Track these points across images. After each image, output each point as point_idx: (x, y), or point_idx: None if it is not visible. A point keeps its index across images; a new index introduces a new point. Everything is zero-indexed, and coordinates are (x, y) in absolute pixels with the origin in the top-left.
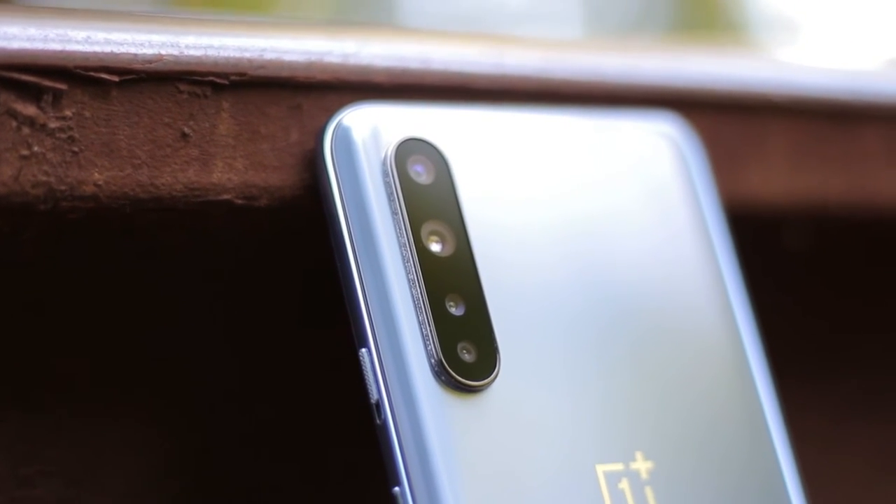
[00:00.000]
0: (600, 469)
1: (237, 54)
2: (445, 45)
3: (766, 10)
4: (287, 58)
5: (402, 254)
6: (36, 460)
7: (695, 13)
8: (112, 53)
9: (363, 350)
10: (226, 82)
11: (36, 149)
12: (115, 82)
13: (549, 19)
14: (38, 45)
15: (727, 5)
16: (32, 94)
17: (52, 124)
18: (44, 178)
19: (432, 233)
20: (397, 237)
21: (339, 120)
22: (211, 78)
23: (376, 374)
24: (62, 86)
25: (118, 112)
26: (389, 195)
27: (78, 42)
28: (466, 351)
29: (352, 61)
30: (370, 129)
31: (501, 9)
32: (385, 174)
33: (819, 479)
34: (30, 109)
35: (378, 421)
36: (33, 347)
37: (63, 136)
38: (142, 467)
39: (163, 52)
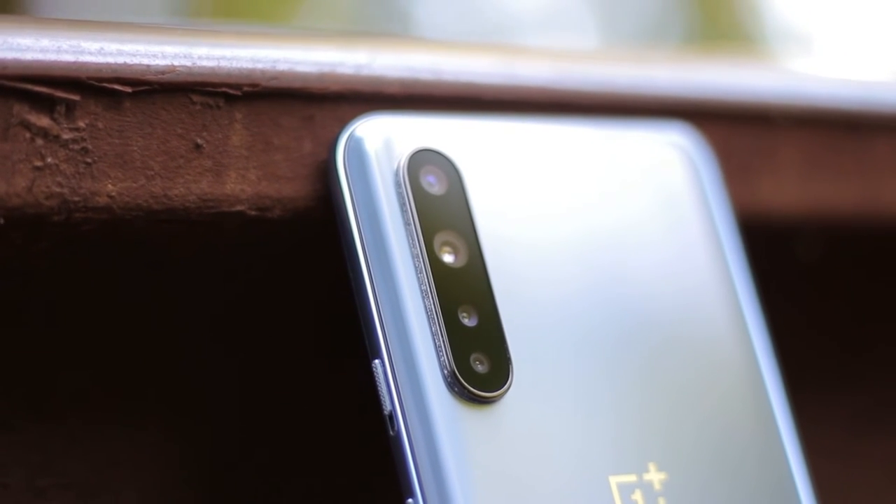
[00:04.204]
0: (613, 480)
1: (250, 65)
2: (457, 56)
3: (778, 22)
4: (300, 69)
5: (414, 265)
6: (51, 472)
7: (707, 24)
8: (125, 64)
9: (376, 361)
10: (238, 93)
11: (49, 160)
12: (128, 93)
13: (563, 30)
14: (52, 57)
15: (740, 17)
16: (46, 105)
17: (66, 135)
18: (57, 190)
19: (445, 243)
20: (410, 248)
21: (352, 131)
22: (224, 89)
23: (389, 386)
24: (75, 97)
25: (131, 123)
26: (402, 206)
27: (91, 53)
28: (479, 362)
29: (364, 72)
30: (383, 139)
31: (515, 18)
32: (398, 185)
33: (834, 492)
34: (43, 121)
35: (391, 432)
36: (47, 358)
37: (76, 147)
38: (157, 479)
39: (175, 63)
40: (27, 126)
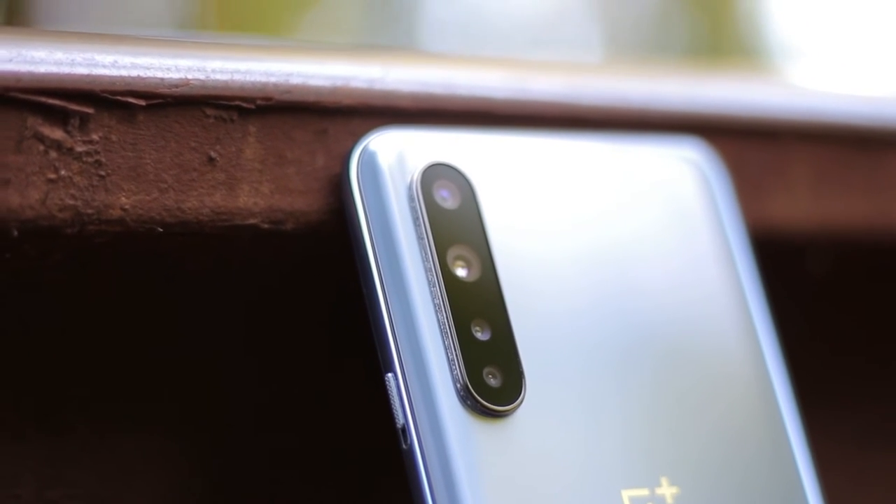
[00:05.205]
0: (626, 494)
1: (263, 79)
2: (469, 70)
3: (784, 36)
4: (313, 82)
5: (427, 278)
6: (61, 483)
7: (712, 39)
8: (139, 77)
9: (389, 375)
10: (252, 107)
11: (63, 172)
12: (141, 106)
13: (566, 42)
14: (65, 70)
15: (746, 31)
16: (59, 117)
17: (79, 148)
18: (71, 202)
19: (458, 257)
20: (423, 262)
21: (365, 145)
22: (237, 102)
23: (402, 399)
24: (89, 110)
25: (145, 136)
26: (415, 220)
27: (105, 66)
28: (492, 376)
29: (377, 86)
30: (396, 153)
31: (520, 32)
32: (411, 199)
33: None
34: (57, 133)
35: (404, 445)
36: (58, 369)
37: (90, 159)
38: (166, 489)
39: (189, 76)
40: (41, 139)
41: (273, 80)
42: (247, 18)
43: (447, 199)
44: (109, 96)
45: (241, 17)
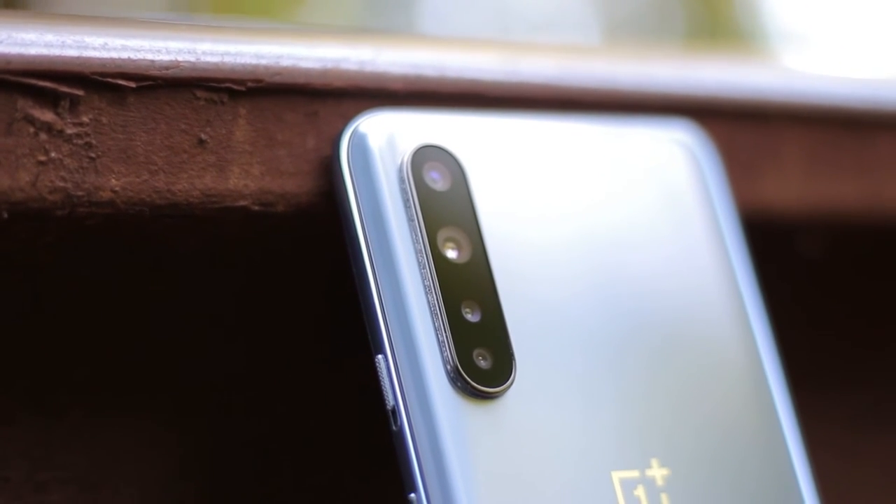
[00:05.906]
0: (616, 476)
1: (254, 61)
2: (461, 53)
3: (779, 20)
4: (303, 64)
5: (418, 260)
6: (52, 466)
7: (708, 23)
8: (129, 60)
9: (379, 356)
10: (242, 89)
11: (53, 155)
12: (132, 88)
13: (566, 28)
14: (56, 52)
15: (741, 15)
16: (50, 100)
17: (70, 130)
18: (61, 184)
19: (448, 239)
20: (413, 244)
21: (356, 127)
22: (228, 84)
23: (392, 381)
24: (79, 92)
25: (135, 118)
26: (405, 202)
27: (95, 48)
28: (482, 357)
29: (368, 68)
30: (386, 135)
31: (519, 19)
32: (401, 181)
33: (835, 489)
34: (47, 115)
35: (394, 427)
36: (49, 352)
37: (80, 142)
38: (158, 473)
39: (180, 58)
40: (31, 121)
41: (263, 62)
42: (244, 4)
43: (437, 180)
44: (100, 78)
45: (239, 2)
